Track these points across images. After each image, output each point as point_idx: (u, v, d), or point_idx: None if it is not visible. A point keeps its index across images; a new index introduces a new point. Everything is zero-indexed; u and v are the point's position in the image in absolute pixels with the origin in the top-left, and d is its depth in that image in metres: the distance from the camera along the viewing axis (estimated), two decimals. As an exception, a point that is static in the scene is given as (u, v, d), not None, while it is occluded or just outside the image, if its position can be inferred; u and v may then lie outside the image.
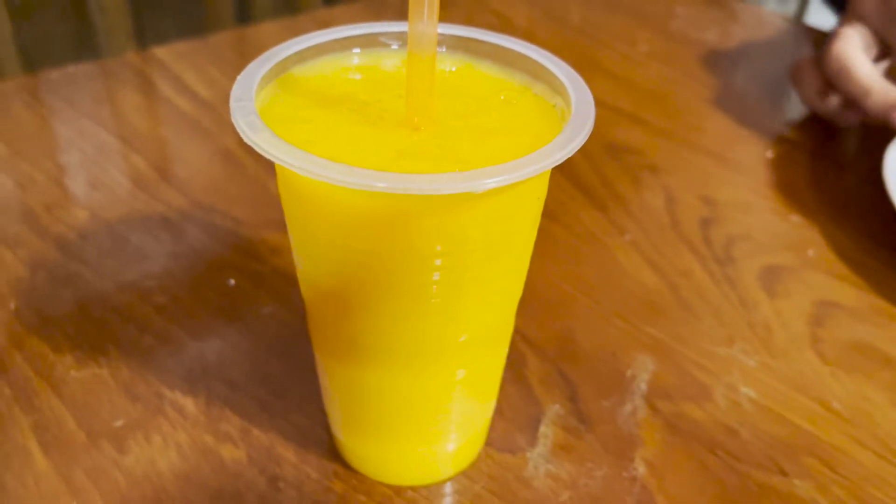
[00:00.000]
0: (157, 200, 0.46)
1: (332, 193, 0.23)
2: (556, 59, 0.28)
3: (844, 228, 0.47)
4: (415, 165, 0.24)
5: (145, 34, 0.73)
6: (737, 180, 0.51)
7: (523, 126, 0.26)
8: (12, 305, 0.39)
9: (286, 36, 0.28)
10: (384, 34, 0.28)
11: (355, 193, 0.23)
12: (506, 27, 0.70)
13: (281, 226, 0.45)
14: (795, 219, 0.48)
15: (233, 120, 0.23)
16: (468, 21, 0.74)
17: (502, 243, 0.25)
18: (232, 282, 0.41)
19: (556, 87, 0.27)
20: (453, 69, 0.29)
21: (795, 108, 0.60)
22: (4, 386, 0.35)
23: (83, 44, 0.71)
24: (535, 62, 0.28)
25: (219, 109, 0.56)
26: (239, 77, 0.25)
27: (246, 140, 0.23)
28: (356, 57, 0.28)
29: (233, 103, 0.24)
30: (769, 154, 0.54)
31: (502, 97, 0.27)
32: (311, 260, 0.26)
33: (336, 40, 0.28)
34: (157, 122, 0.55)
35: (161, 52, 0.63)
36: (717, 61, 0.67)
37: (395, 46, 0.29)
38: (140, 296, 0.40)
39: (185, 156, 0.51)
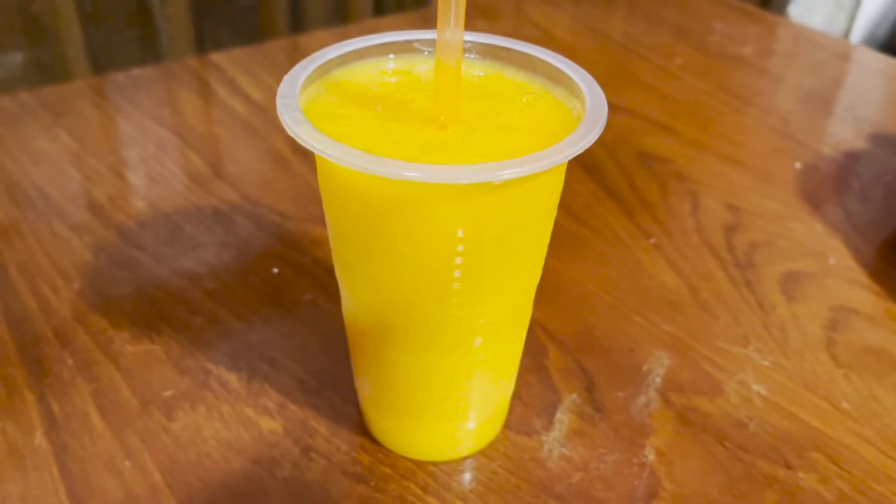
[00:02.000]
0: (210, 194, 0.50)
1: (364, 182, 0.26)
2: (575, 65, 0.30)
3: (867, 238, 0.48)
4: (439, 158, 0.26)
5: (205, 41, 0.77)
6: (763, 190, 0.53)
7: (541, 126, 0.28)
8: (77, 285, 0.42)
9: (335, 44, 0.31)
10: (418, 41, 0.31)
11: (385, 182, 0.25)
12: (545, 39, 0.72)
13: (323, 221, 0.48)
14: (819, 228, 0.49)
15: (278, 114, 0.26)
16: (512, 33, 0.77)
17: (518, 232, 0.28)
18: (276, 270, 0.44)
19: (574, 91, 0.29)
20: (481, 74, 0.31)
21: (825, 122, 0.61)
22: (68, 357, 0.38)
23: (147, 49, 0.75)
24: (555, 68, 0.30)
25: (270, 112, 0.59)
26: (285, 77, 0.28)
27: (289, 132, 0.25)
28: (392, 62, 0.31)
29: (279, 100, 0.27)
30: (797, 165, 0.55)
31: (524, 100, 0.30)
32: (344, 243, 0.29)
33: (374, 46, 0.31)
34: (213, 123, 0.58)
35: (218, 57, 0.66)
36: (751, 75, 0.68)
37: (427, 52, 0.31)
38: (192, 280, 0.43)
39: (237, 154, 0.54)
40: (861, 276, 0.46)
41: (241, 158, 0.54)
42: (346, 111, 0.28)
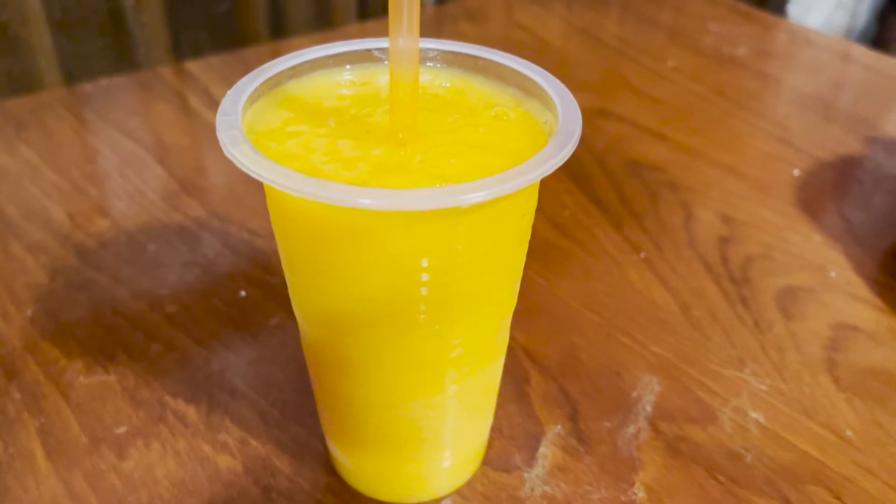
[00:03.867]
0: (176, 211, 0.47)
1: (312, 209, 0.23)
2: (548, 75, 0.27)
3: (871, 250, 0.46)
4: (394, 180, 0.24)
5: (182, 48, 0.75)
6: (760, 199, 0.50)
7: (508, 142, 0.26)
8: (29, 311, 0.40)
9: (286, 55, 0.28)
10: (378, 50, 0.29)
11: (335, 209, 0.23)
12: (534, 43, 0.70)
13: (295, 238, 0.45)
14: (818, 239, 0.47)
15: (217, 134, 0.23)
16: (501, 37, 0.74)
17: (488, 258, 0.25)
18: (243, 293, 0.41)
19: (546, 103, 0.27)
20: (447, 85, 0.29)
21: (823, 126, 0.59)
22: (15, 390, 0.36)
23: (122, 57, 0.72)
24: (527, 78, 0.28)
25: (244, 122, 0.57)
26: (229, 92, 0.25)
27: (226, 154, 0.23)
28: (349, 73, 0.28)
29: (218, 117, 0.24)
30: (796, 172, 0.53)
31: (492, 113, 0.27)
32: (297, 274, 0.27)
33: (330, 56, 0.28)
34: (183, 134, 0.56)
35: (193, 65, 0.64)
36: (746, 78, 0.65)
37: (387, 62, 0.29)
38: (152, 304, 0.41)
39: (207, 168, 0.52)
40: (863, 290, 0.43)
41: (211, 172, 0.51)
42: (296, 128, 0.26)
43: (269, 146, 0.25)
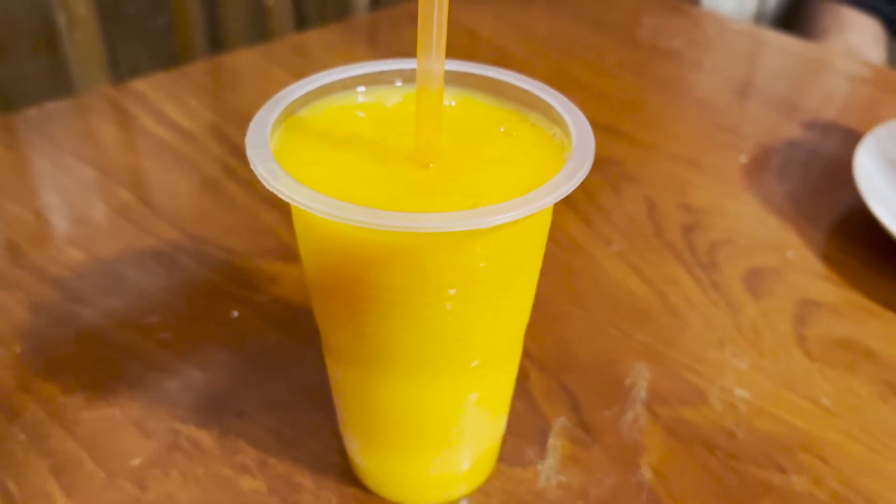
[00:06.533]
0: (148, 234, 0.47)
1: (348, 232, 0.24)
2: (549, 89, 0.29)
3: (820, 228, 0.49)
4: (428, 201, 0.25)
5: (119, 65, 0.73)
6: (714, 186, 0.53)
7: (525, 156, 0.27)
8: (18, 350, 0.39)
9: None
10: (387, 72, 0.29)
11: (372, 232, 0.24)
12: (475, 43, 0.71)
13: (275, 254, 0.46)
14: (773, 221, 0.50)
15: (252, 168, 0.24)
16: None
17: (513, 271, 0.27)
18: (235, 313, 0.41)
19: (552, 117, 0.28)
20: (452, 103, 0.30)
21: (763, 113, 0.62)
22: (18, 431, 0.35)
23: (57, 78, 0.70)
24: (529, 93, 0.29)
25: (200, 139, 0.56)
26: (251, 124, 0.26)
27: (268, 187, 0.23)
28: (360, 96, 0.29)
29: (249, 150, 0.25)
30: (742, 159, 0.56)
31: (502, 129, 0.28)
32: (325, 293, 0.27)
33: (339, 80, 0.29)
34: (140, 155, 0.55)
35: (138, 84, 0.63)
36: (685, 69, 0.69)
37: (398, 83, 0.30)
38: (143, 332, 0.40)
39: (171, 187, 0.51)
40: (818, 266, 0.46)
41: (176, 191, 0.51)
42: (317, 155, 0.27)
43: (294, 175, 0.25)
